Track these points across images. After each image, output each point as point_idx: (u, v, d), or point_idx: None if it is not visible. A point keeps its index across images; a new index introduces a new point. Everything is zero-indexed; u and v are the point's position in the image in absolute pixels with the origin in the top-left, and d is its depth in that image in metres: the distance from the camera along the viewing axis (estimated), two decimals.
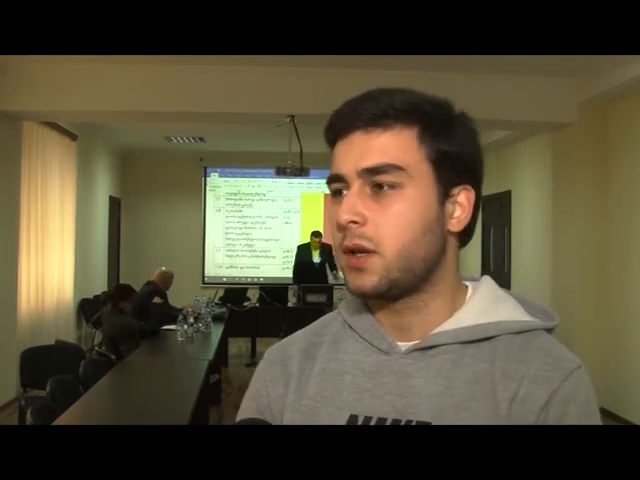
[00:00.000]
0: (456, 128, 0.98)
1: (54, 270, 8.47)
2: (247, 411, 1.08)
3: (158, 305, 7.06)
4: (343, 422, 0.98)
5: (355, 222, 0.94)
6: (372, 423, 0.97)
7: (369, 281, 0.95)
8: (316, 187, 12.53)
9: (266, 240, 12.71)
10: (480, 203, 1.01)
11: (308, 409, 1.02)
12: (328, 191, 1.03)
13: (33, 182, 7.76)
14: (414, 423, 0.95)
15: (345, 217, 0.94)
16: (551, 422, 0.93)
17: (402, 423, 0.95)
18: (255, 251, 12.71)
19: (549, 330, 1.03)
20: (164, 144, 11.27)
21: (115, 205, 11.83)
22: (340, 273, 1.03)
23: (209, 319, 7.25)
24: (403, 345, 1.00)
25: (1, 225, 6.87)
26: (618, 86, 6.26)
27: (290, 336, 1.13)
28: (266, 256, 12.70)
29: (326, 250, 10.11)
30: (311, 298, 9.17)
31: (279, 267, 12.50)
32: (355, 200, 0.95)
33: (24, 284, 7.48)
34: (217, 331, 7.14)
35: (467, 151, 0.99)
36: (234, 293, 9.49)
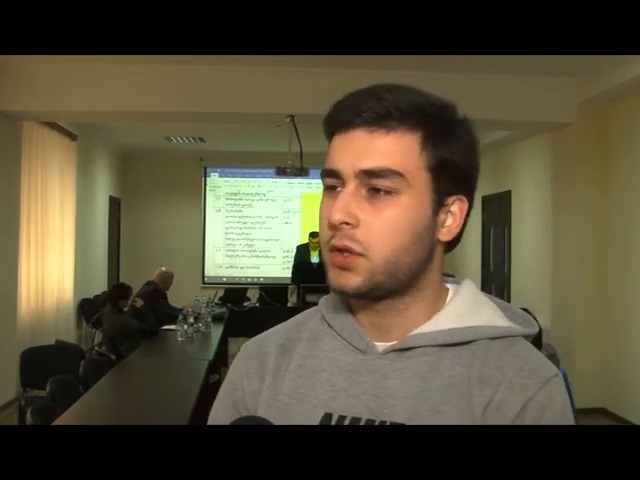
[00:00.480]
0: (458, 135, 0.97)
1: (54, 270, 8.47)
2: (222, 404, 1.09)
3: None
4: (317, 420, 0.98)
5: (347, 223, 0.93)
6: (346, 422, 0.96)
7: (353, 281, 0.95)
8: (316, 187, 12.51)
9: (266, 240, 12.71)
10: (470, 212, 1.00)
11: (283, 405, 1.01)
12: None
13: (33, 182, 7.76)
14: (388, 424, 0.94)
15: (338, 217, 0.93)
16: None
17: (376, 424, 0.95)
18: (255, 251, 12.70)
19: (528, 337, 1.02)
20: (164, 144, 11.27)
21: (115, 205, 11.83)
22: None
23: (209, 319, 7.25)
24: (381, 345, 1.00)
25: (1, 225, 6.87)
26: (618, 86, 6.25)
27: (268, 331, 1.12)
28: (266, 256, 12.70)
29: None
30: (311, 298, 9.16)
31: (279, 267, 12.49)
32: (349, 200, 0.93)
33: (24, 284, 7.48)
34: (217, 331, 7.14)
35: (466, 160, 0.97)
36: (234, 293, 9.49)
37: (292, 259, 10.50)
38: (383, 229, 0.93)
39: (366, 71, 6.11)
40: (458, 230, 0.99)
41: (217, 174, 12.77)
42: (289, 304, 9.42)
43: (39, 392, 4.90)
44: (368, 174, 0.93)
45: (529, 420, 0.92)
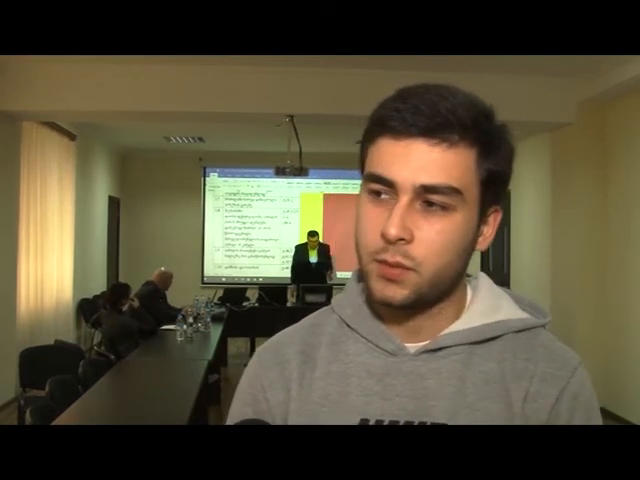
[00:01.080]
0: (502, 146, 0.96)
1: (53, 270, 8.46)
2: (242, 417, 1.01)
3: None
4: None
5: (402, 239, 0.91)
6: None
7: (400, 294, 0.93)
8: (315, 187, 12.53)
9: (265, 240, 12.70)
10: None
11: (314, 414, 1.00)
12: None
13: (32, 182, 7.76)
14: (428, 425, 0.95)
15: (394, 233, 0.90)
16: (563, 418, 0.96)
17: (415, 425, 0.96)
18: (254, 251, 12.70)
19: (544, 326, 1.05)
20: (163, 144, 11.27)
21: (114, 205, 11.82)
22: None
23: (208, 319, 7.25)
24: (410, 346, 0.99)
25: (0, 225, 6.87)
26: (617, 86, 6.26)
27: (279, 335, 1.10)
28: (265, 256, 12.70)
29: (323, 250, 10.12)
30: (310, 298, 9.16)
31: (278, 267, 12.49)
32: (405, 215, 0.91)
33: (23, 284, 7.48)
34: (216, 331, 7.14)
35: (507, 171, 0.97)
36: (233, 293, 9.49)
37: (291, 259, 10.51)
38: (436, 246, 0.92)
39: (366, 71, 6.11)
40: (492, 238, 1.00)
41: (216, 174, 12.76)
42: (288, 304, 9.42)
43: (38, 392, 4.90)
44: (427, 189, 0.91)
45: (564, 410, 0.96)
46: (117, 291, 6.75)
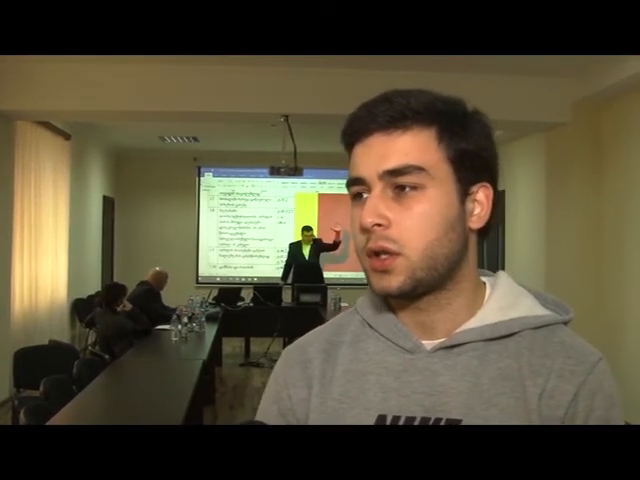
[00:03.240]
0: (472, 126, 1.00)
1: (48, 270, 8.44)
2: (268, 414, 1.08)
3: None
4: (371, 422, 0.99)
5: (379, 224, 0.95)
6: (400, 422, 0.98)
7: (395, 282, 0.96)
8: (310, 187, 12.53)
9: (260, 240, 12.70)
10: (498, 199, 1.03)
11: (334, 411, 1.02)
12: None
13: (27, 182, 7.74)
14: (443, 421, 0.96)
15: (369, 220, 0.95)
16: (580, 415, 0.96)
17: (431, 421, 0.97)
18: (249, 251, 12.70)
19: (565, 323, 1.06)
20: (158, 144, 11.26)
21: (109, 205, 11.80)
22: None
23: (203, 319, 7.24)
24: (427, 344, 1.01)
25: None
26: (611, 86, 6.27)
27: (306, 336, 1.13)
28: (260, 256, 12.70)
29: (317, 244, 10.16)
30: (305, 298, 9.17)
31: (273, 267, 12.48)
32: (378, 202, 0.95)
33: (17, 284, 7.46)
34: (211, 331, 7.14)
35: (484, 148, 1.00)
36: (228, 293, 9.48)
37: (285, 258, 10.55)
38: (415, 224, 0.95)
39: (362, 71, 6.12)
40: (487, 217, 1.01)
41: (211, 174, 12.76)
42: (283, 304, 9.42)
43: (33, 392, 4.89)
44: (391, 174, 0.95)
45: (582, 406, 0.96)
46: (113, 291, 6.75)
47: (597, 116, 6.96)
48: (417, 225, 0.95)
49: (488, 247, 9.63)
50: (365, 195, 0.97)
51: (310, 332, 1.14)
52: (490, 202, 1.01)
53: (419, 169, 0.95)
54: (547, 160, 7.55)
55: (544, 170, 7.62)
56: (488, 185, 1.01)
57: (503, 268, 9.06)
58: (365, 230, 0.96)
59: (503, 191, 9.10)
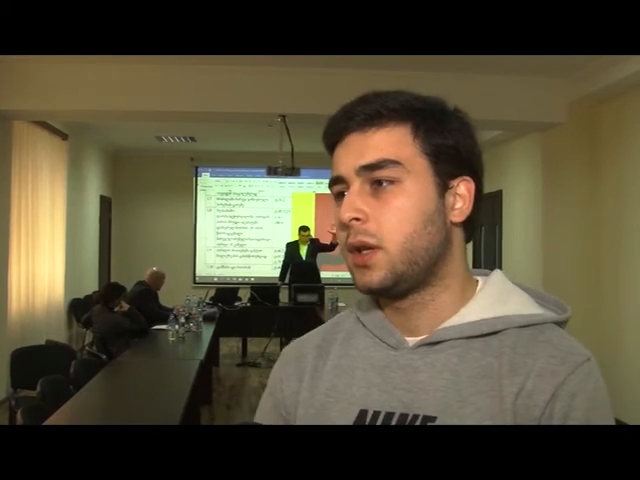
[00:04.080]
0: (450, 122, 1.00)
1: (45, 270, 8.44)
2: (264, 406, 1.13)
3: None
4: (353, 416, 1.00)
5: (357, 219, 0.96)
6: (380, 417, 0.99)
7: (376, 277, 0.97)
8: (307, 187, 12.53)
9: (257, 240, 12.71)
10: (482, 194, 1.02)
11: (320, 404, 1.04)
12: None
13: (24, 182, 7.73)
14: (420, 417, 0.96)
15: (347, 215, 0.96)
16: (557, 416, 0.93)
17: (409, 417, 0.97)
18: (246, 251, 12.70)
19: (561, 323, 1.04)
20: (155, 144, 11.25)
21: (106, 205, 11.79)
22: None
23: (200, 319, 7.24)
24: (411, 340, 1.02)
25: None
26: (608, 86, 6.28)
27: (306, 334, 1.15)
28: (257, 256, 12.70)
29: (314, 243, 10.15)
30: (302, 298, 9.17)
31: (270, 267, 12.48)
32: (355, 198, 0.97)
33: (14, 284, 7.45)
34: (208, 331, 7.13)
35: (463, 143, 1.00)
36: (225, 293, 9.48)
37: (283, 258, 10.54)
38: (392, 218, 0.96)
39: (358, 71, 6.12)
40: (470, 211, 1.01)
41: (208, 174, 12.75)
42: (280, 304, 9.42)
43: (29, 392, 4.88)
44: (368, 169, 0.97)
45: (559, 408, 0.93)
46: (112, 290, 6.75)
47: (593, 116, 6.97)
48: (394, 218, 0.96)
49: (485, 246, 9.65)
50: (346, 193, 0.99)
51: (312, 331, 1.15)
52: (472, 196, 1.01)
53: (395, 163, 0.96)
54: (544, 160, 7.56)
55: (541, 170, 7.63)
56: (469, 179, 1.01)
57: (500, 267, 9.03)
58: (344, 226, 0.97)
59: (500, 191, 9.11)
